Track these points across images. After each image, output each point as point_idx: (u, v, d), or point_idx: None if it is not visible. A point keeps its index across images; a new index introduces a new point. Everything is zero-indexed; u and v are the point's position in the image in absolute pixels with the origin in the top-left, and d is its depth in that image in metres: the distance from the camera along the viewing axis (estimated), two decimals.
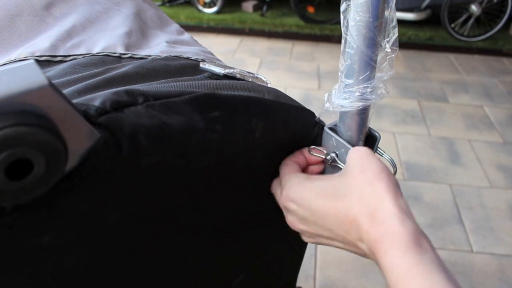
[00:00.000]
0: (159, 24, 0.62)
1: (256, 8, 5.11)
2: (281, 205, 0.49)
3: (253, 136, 0.42)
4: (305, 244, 0.59)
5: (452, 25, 4.51)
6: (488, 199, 2.47)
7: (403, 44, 4.50)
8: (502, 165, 2.77)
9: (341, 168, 0.48)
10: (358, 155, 0.44)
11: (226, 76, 0.47)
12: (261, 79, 0.49)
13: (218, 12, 4.97)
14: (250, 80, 0.48)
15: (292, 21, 4.82)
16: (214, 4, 4.99)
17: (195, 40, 0.64)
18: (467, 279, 1.99)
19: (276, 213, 0.52)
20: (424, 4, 4.59)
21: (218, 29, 4.67)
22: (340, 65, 0.48)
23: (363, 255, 0.44)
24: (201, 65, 0.49)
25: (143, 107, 0.35)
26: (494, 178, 2.65)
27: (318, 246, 2.11)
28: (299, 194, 0.46)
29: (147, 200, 0.40)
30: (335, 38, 4.57)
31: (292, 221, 0.48)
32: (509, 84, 3.84)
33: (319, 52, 4.36)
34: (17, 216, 0.32)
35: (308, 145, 0.49)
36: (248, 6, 5.10)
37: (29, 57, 0.47)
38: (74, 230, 0.36)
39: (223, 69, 0.47)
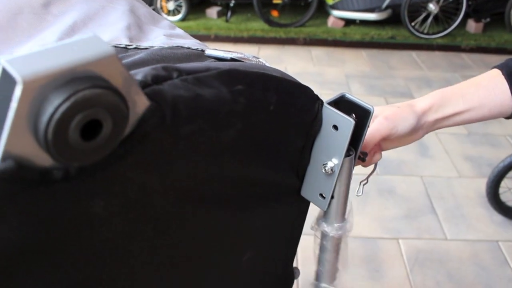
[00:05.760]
0: (152, 20, 0.65)
1: (220, 14, 5.15)
2: None
3: (268, 109, 0.45)
4: (303, 221, 0.63)
5: (412, 24, 4.65)
6: (458, 189, 2.56)
7: (367, 44, 4.61)
8: (468, 155, 2.88)
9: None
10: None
11: (233, 60, 0.50)
12: (261, 61, 0.52)
13: (182, 20, 4.98)
14: (254, 62, 0.51)
15: (257, 26, 4.87)
16: (179, 12, 5.00)
17: (187, 34, 0.67)
18: (443, 265, 2.06)
19: (289, 187, 0.56)
20: (385, 4, 4.72)
21: None
22: None
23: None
24: (207, 51, 0.51)
25: (179, 80, 0.38)
26: (461, 168, 2.74)
27: (299, 244, 2.14)
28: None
29: (182, 169, 0.42)
30: (300, 41, 4.65)
31: None
32: (469, 78, 3.96)
33: (286, 55, 4.42)
34: (78, 180, 0.33)
35: (312, 119, 0.52)
36: (212, 13, 5.13)
37: None
38: (121, 199, 0.38)
39: (229, 53, 0.50)
